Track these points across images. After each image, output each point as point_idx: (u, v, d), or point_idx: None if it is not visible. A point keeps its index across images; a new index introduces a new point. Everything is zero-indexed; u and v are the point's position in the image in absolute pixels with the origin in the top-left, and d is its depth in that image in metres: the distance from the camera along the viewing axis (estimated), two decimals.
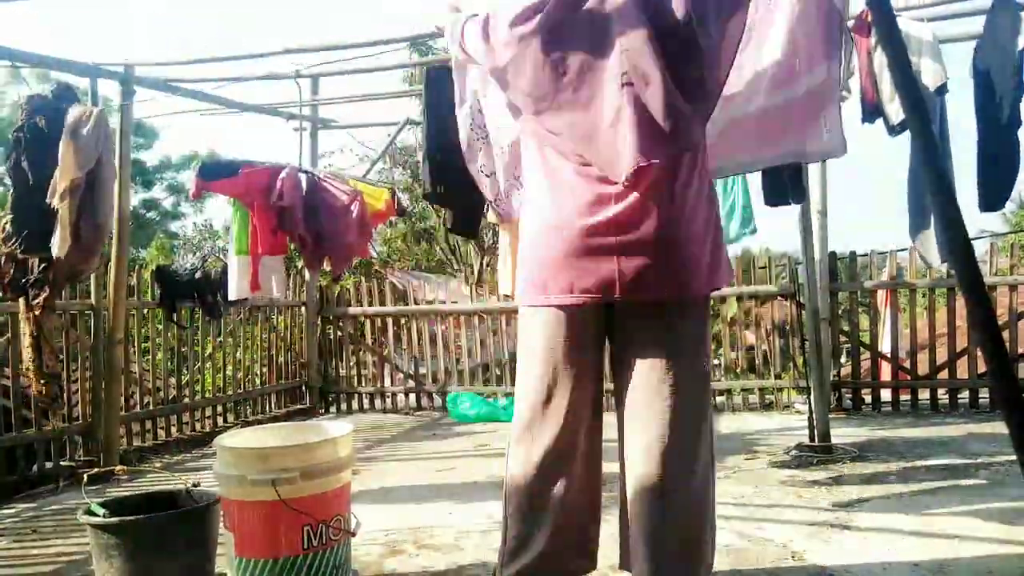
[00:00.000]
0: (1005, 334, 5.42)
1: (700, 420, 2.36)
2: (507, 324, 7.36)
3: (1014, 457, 1.66)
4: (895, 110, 3.95)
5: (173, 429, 5.89)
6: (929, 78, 3.97)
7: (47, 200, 3.90)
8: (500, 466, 4.67)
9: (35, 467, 4.73)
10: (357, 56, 5.16)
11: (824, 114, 3.15)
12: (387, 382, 7.52)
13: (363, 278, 9.91)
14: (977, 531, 3.10)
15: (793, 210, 4.50)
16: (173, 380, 6.01)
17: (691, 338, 2.37)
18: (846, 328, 6.32)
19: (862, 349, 6.28)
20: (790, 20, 3.22)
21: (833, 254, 5.98)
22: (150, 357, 6.54)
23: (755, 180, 3.76)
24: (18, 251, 3.89)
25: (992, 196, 4.03)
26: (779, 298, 6.68)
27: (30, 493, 4.50)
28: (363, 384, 7.48)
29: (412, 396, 7.37)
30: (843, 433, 5.04)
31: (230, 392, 6.57)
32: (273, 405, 7.06)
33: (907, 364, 6.07)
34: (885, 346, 6.30)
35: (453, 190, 4.03)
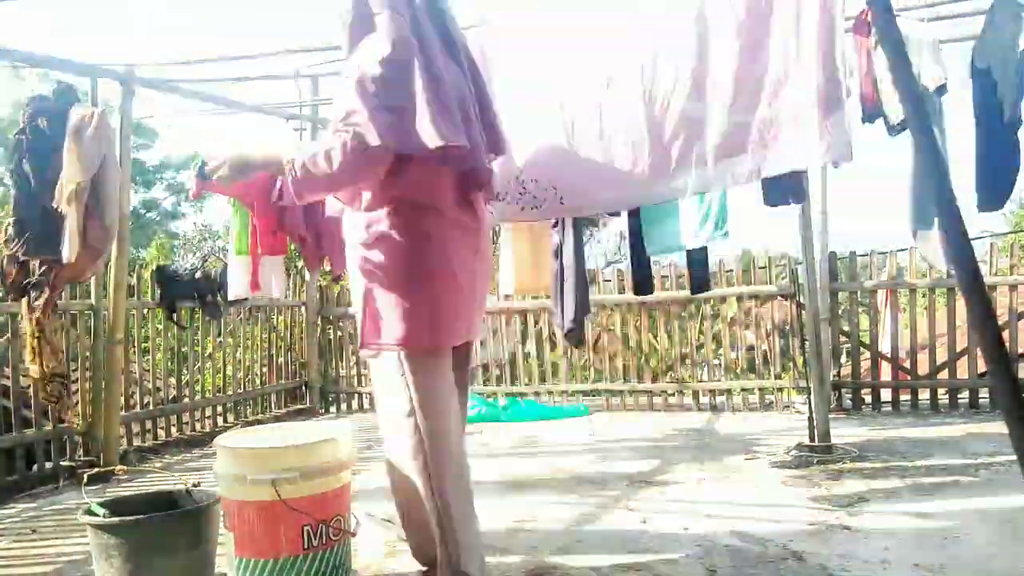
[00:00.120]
0: (1005, 334, 5.42)
1: None
2: (507, 324, 7.36)
3: (1014, 457, 1.66)
4: (895, 110, 3.96)
5: (173, 429, 5.90)
6: (929, 78, 3.97)
7: (54, 204, 3.90)
8: (500, 466, 4.69)
9: (35, 467, 4.73)
10: None
11: (828, 119, 3.14)
12: None
13: None
14: (977, 531, 3.10)
15: (793, 210, 4.50)
16: (173, 380, 6.01)
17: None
18: (846, 328, 6.33)
19: (862, 349, 6.28)
20: (785, 26, 3.23)
21: (833, 254, 5.99)
22: (150, 357, 6.54)
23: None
24: (20, 253, 3.89)
25: (991, 196, 4.03)
26: (779, 298, 6.68)
27: (30, 493, 4.50)
28: (363, 384, 7.47)
29: None
30: (843, 433, 5.05)
31: (230, 392, 6.58)
32: (273, 405, 7.06)
33: (907, 364, 6.08)
34: (885, 346, 6.30)
35: None
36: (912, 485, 3.83)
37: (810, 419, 4.69)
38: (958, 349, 5.86)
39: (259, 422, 6.32)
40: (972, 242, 1.80)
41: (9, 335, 4.66)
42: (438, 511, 2.47)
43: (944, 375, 5.94)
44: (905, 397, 6.03)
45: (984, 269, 5.65)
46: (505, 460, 4.92)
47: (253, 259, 5.05)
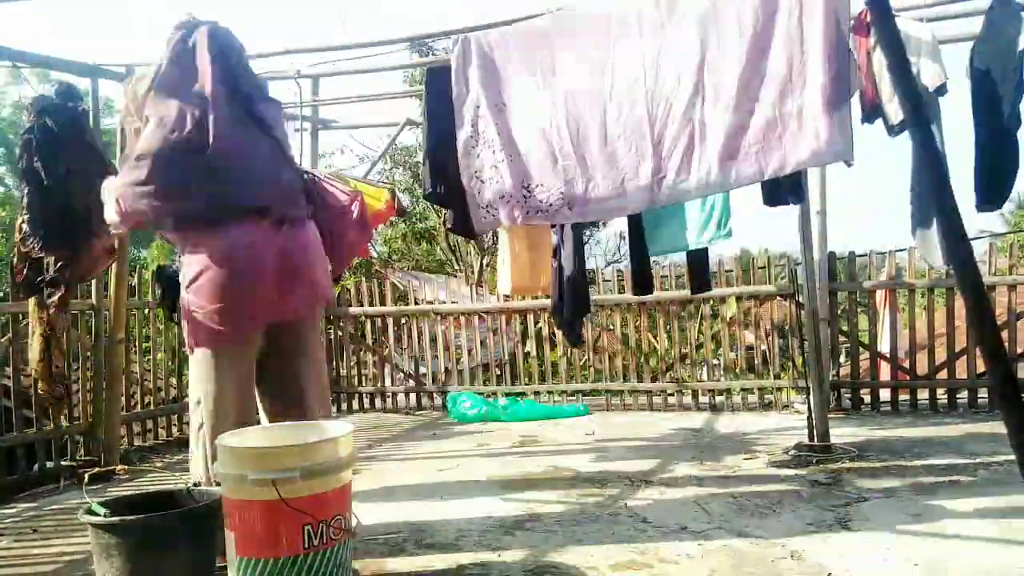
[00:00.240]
0: (1004, 334, 5.42)
1: None
2: (507, 324, 7.37)
3: (1013, 457, 1.67)
4: (894, 110, 3.96)
5: (174, 429, 5.90)
6: (928, 78, 3.97)
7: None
8: (500, 466, 4.70)
9: (36, 467, 4.74)
10: (357, 56, 5.16)
11: (832, 118, 3.15)
12: (387, 382, 7.53)
13: (363, 278, 9.91)
14: (976, 531, 3.10)
15: (792, 210, 4.51)
16: (173, 380, 6.01)
17: None
18: (845, 328, 6.33)
19: (861, 349, 6.29)
20: (789, 26, 3.23)
21: (832, 254, 5.99)
22: (150, 357, 6.54)
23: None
24: (36, 249, 3.89)
25: (990, 196, 4.04)
26: (778, 298, 6.69)
27: (31, 493, 4.50)
28: (363, 384, 7.48)
29: (412, 396, 7.38)
30: (842, 433, 5.05)
31: None
32: None
33: (906, 364, 6.08)
34: (884, 346, 6.31)
35: (453, 190, 4.03)
36: (911, 485, 3.83)
37: (809, 419, 4.69)
38: (957, 349, 5.86)
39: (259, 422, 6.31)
40: (971, 242, 1.81)
41: (10, 335, 4.66)
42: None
43: (943, 375, 5.94)
44: (904, 397, 6.03)
45: (983, 269, 5.65)
46: (505, 460, 4.92)
47: None
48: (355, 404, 7.44)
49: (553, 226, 5.32)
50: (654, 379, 6.78)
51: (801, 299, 5.07)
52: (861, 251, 6.63)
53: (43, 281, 3.93)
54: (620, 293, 6.81)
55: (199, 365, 3.16)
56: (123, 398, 5.37)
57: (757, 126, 3.28)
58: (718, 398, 6.56)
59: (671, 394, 6.72)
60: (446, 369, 7.40)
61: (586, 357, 7.33)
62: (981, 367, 5.33)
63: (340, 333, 7.50)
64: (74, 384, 5.17)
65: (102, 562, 2.63)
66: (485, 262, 15.59)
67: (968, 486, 3.78)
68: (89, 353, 5.10)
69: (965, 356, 5.85)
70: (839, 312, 6.22)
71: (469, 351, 7.34)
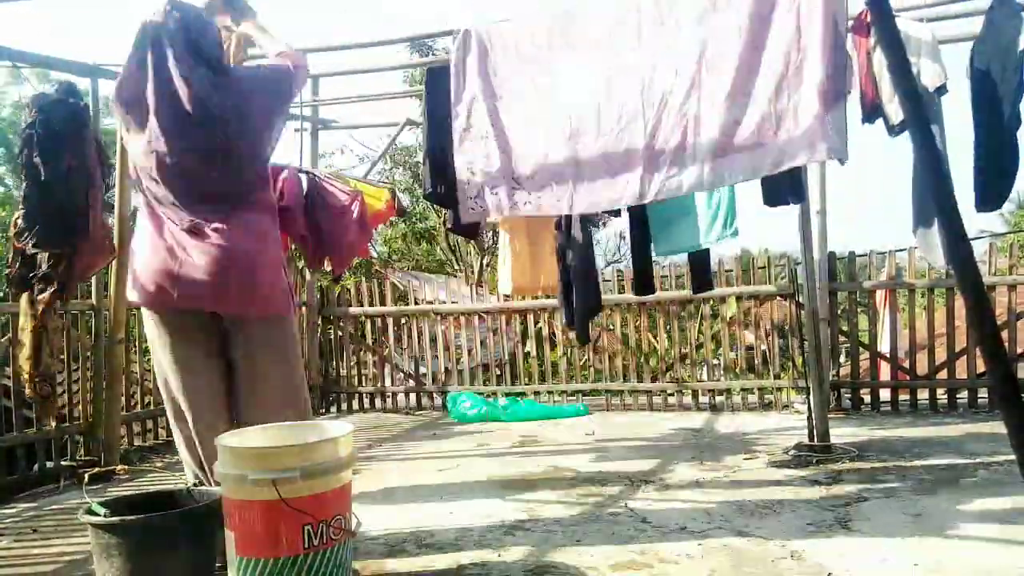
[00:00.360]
0: (1004, 334, 5.42)
1: None
2: (507, 324, 7.37)
3: (1013, 457, 1.67)
4: (895, 110, 3.96)
5: None
6: (928, 78, 3.97)
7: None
8: (500, 466, 4.70)
9: (36, 467, 4.74)
10: (357, 56, 5.16)
11: (828, 115, 3.15)
12: (387, 382, 7.53)
13: (363, 278, 9.92)
14: (976, 531, 3.10)
15: (792, 210, 4.50)
16: None
17: None
18: (845, 328, 6.33)
19: (861, 349, 6.29)
20: (787, 23, 3.23)
21: (832, 254, 5.99)
22: (150, 357, 6.54)
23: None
24: (30, 245, 3.89)
25: (990, 196, 4.04)
26: (778, 298, 6.69)
27: (31, 493, 4.51)
28: (363, 384, 7.49)
29: (412, 396, 7.38)
30: (842, 433, 5.05)
31: None
32: None
33: (906, 364, 6.08)
34: (884, 346, 6.31)
35: (453, 190, 4.03)
36: (911, 485, 3.83)
37: (809, 419, 4.69)
38: (957, 349, 5.86)
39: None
40: (971, 242, 1.81)
41: (10, 335, 4.66)
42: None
43: (943, 375, 5.95)
44: (904, 397, 6.03)
45: (983, 269, 5.65)
46: (505, 460, 4.92)
47: None
48: (355, 404, 7.44)
49: (558, 226, 5.33)
50: (654, 379, 6.78)
51: (801, 299, 5.07)
52: (861, 251, 6.64)
53: (34, 278, 3.93)
54: (620, 293, 6.82)
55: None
56: (123, 398, 5.37)
57: (752, 123, 3.29)
58: (718, 398, 6.56)
59: (671, 394, 6.73)
60: (446, 369, 7.40)
61: (586, 357, 7.34)
62: (981, 367, 5.34)
63: (340, 333, 7.50)
64: (74, 384, 5.18)
65: (102, 562, 2.63)
66: (485, 262, 15.61)
67: (968, 486, 3.78)
68: (89, 353, 5.10)
69: (965, 356, 5.85)
70: (839, 312, 6.22)
71: (469, 351, 7.35)
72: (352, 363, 7.46)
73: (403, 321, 7.56)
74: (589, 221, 5.34)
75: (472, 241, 14.09)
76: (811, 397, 4.69)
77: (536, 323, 7.14)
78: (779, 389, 6.41)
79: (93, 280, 4.98)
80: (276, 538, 2.46)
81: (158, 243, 3.01)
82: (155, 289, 3.00)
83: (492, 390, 7.10)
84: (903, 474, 4.06)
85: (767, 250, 8.82)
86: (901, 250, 6.51)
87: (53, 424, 4.83)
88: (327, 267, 5.39)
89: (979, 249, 5.47)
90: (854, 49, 4.10)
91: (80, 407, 5.04)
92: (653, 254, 5.49)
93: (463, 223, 4.10)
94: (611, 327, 6.95)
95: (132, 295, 3.16)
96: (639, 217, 5.14)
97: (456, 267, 16.74)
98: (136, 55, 2.99)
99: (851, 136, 3.25)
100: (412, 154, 14.89)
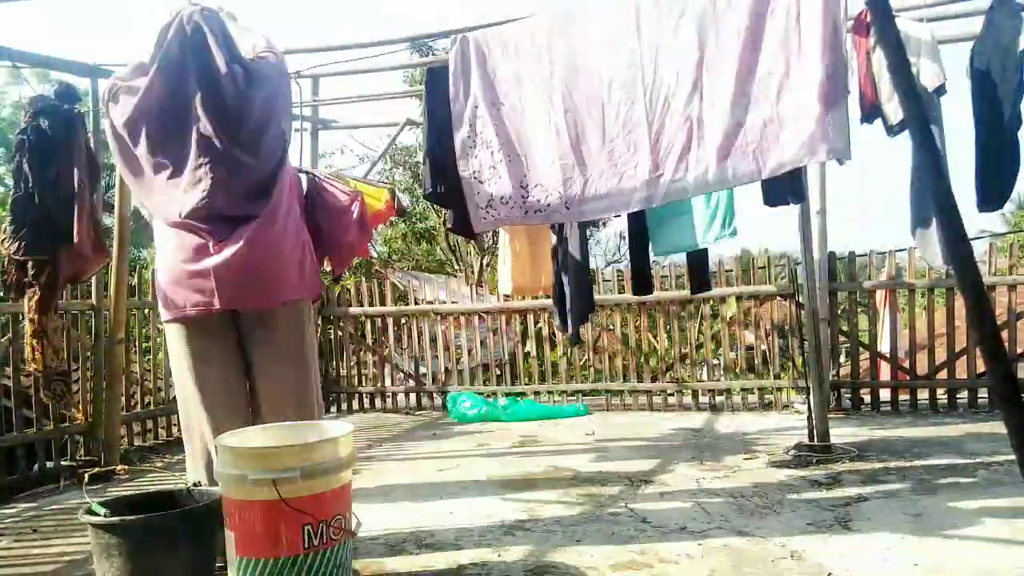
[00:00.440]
0: (1004, 334, 5.42)
1: None
2: (507, 324, 7.37)
3: (1013, 457, 1.67)
4: (894, 110, 3.96)
5: (174, 429, 5.89)
6: (928, 78, 3.97)
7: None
8: (500, 466, 4.70)
9: (36, 467, 4.74)
10: (357, 57, 5.16)
11: (829, 115, 3.15)
12: (387, 382, 7.53)
13: (363, 278, 9.91)
14: (976, 531, 3.10)
15: (792, 210, 4.50)
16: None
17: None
18: (845, 328, 6.33)
19: (861, 349, 6.29)
20: (787, 24, 3.23)
21: (832, 254, 5.99)
22: (150, 357, 6.54)
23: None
24: (17, 252, 3.90)
25: (991, 196, 4.04)
26: (778, 298, 6.69)
27: (31, 492, 4.51)
28: (363, 384, 7.49)
29: (412, 396, 7.38)
30: (842, 433, 5.05)
31: None
32: None
33: (906, 364, 6.08)
34: (884, 346, 6.31)
35: (453, 190, 4.03)
36: (911, 485, 3.84)
37: (809, 419, 4.69)
38: (957, 349, 5.86)
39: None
40: (971, 242, 1.81)
41: (10, 335, 4.66)
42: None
43: (943, 375, 5.95)
44: (904, 397, 6.03)
45: (983, 269, 5.65)
46: (505, 460, 4.92)
47: None
48: (355, 404, 7.44)
49: (554, 227, 5.32)
50: (654, 379, 6.78)
51: (801, 299, 5.07)
52: (861, 251, 6.64)
53: (27, 284, 3.95)
54: (620, 293, 6.82)
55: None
56: (123, 398, 5.37)
57: (755, 124, 3.28)
58: (718, 398, 6.56)
59: (671, 394, 6.73)
60: (446, 369, 7.40)
61: (586, 357, 7.34)
62: (981, 367, 5.33)
63: (340, 333, 7.50)
64: (74, 384, 5.17)
65: (102, 562, 2.63)
66: (485, 262, 15.60)
67: (968, 486, 3.78)
68: (89, 353, 5.11)
69: (965, 356, 5.85)
70: (839, 312, 6.22)
71: (469, 351, 7.35)
72: (352, 363, 7.46)
73: (403, 321, 7.56)
74: (586, 222, 5.34)
75: (472, 241, 14.08)
76: (811, 397, 4.68)
77: (536, 323, 7.14)
78: (779, 389, 6.41)
79: (93, 280, 4.98)
80: (276, 538, 2.47)
81: (177, 255, 3.12)
82: (180, 298, 3.12)
83: (492, 390, 7.10)
84: (903, 474, 4.06)
85: (767, 250, 8.82)
86: (901, 250, 6.51)
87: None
88: (327, 267, 5.39)
89: (979, 249, 5.46)
90: (854, 49, 4.10)
91: (80, 407, 5.04)
92: (651, 254, 5.49)
93: (476, 231, 4.11)
94: (611, 327, 6.95)
95: (164, 315, 3.24)
96: (637, 217, 5.14)
97: (456, 267, 16.73)
98: (170, 53, 3.02)
99: (851, 136, 3.24)
100: (412, 154, 14.88)
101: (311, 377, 3.34)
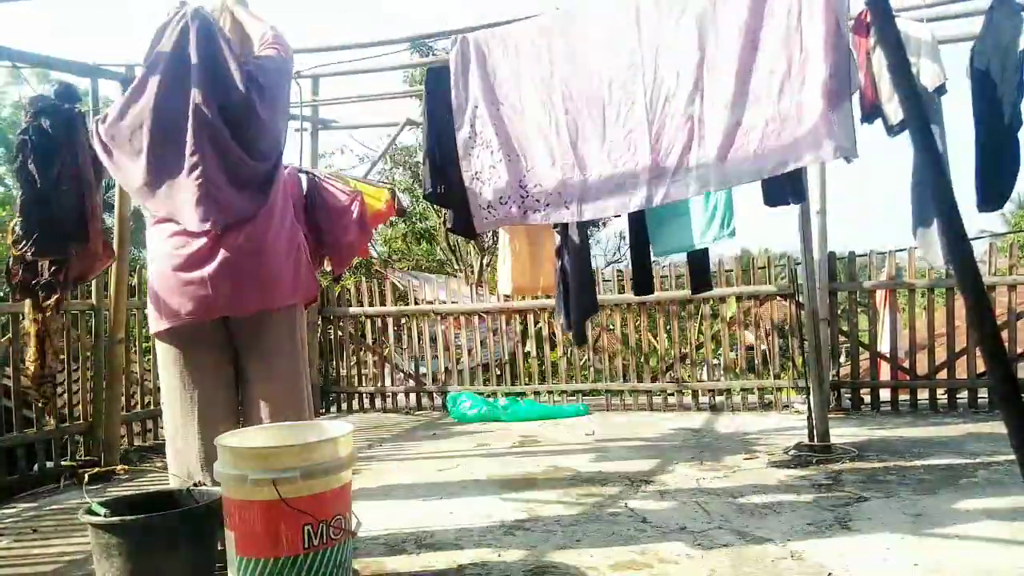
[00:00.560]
0: (1004, 334, 5.42)
1: None
2: (507, 324, 7.37)
3: (1013, 457, 1.67)
4: (894, 110, 3.96)
5: None
6: (928, 78, 3.98)
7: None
8: (500, 466, 4.70)
9: (36, 467, 4.74)
10: (357, 57, 5.17)
11: (833, 114, 3.14)
12: (387, 382, 7.53)
13: (363, 278, 9.91)
14: (976, 531, 3.10)
15: (792, 210, 4.50)
16: None
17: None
18: (845, 328, 6.33)
19: (861, 349, 6.29)
20: (789, 22, 3.23)
21: (832, 254, 5.99)
22: (150, 357, 6.55)
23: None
24: (28, 253, 3.90)
25: (991, 196, 4.04)
26: (778, 298, 6.69)
27: (31, 492, 4.50)
28: (363, 384, 7.49)
29: (412, 396, 7.38)
30: (842, 433, 5.05)
31: None
32: None
33: (906, 364, 6.08)
34: (884, 346, 6.31)
35: (453, 190, 4.03)
36: (911, 485, 3.84)
37: (809, 419, 4.69)
38: (957, 349, 5.86)
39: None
40: (971, 242, 1.81)
41: (10, 335, 4.66)
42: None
43: (943, 375, 5.95)
44: (904, 397, 6.03)
45: (983, 269, 5.65)
46: (505, 460, 4.93)
47: None
48: (355, 404, 7.44)
49: (556, 227, 5.32)
50: (654, 379, 6.78)
51: (801, 299, 5.07)
52: (861, 251, 6.64)
53: (38, 284, 3.94)
54: (620, 293, 6.82)
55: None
56: (123, 398, 5.37)
57: (756, 123, 3.28)
58: (718, 398, 6.56)
59: (671, 394, 6.73)
60: (446, 369, 7.40)
61: (586, 357, 7.34)
62: (981, 367, 5.34)
63: (340, 333, 7.50)
64: (74, 384, 5.18)
65: (102, 562, 2.63)
66: (485, 262, 15.60)
67: (968, 486, 3.78)
68: (89, 353, 5.10)
69: (965, 356, 5.85)
70: (839, 312, 6.22)
71: (469, 351, 7.35)
72: (352, 363, 7.46)
73: (403, 321, 7.56)
74: (587, 222, 5.33)
75: (472, 241, 14.08)
76: (811, 397, 4.69)
77: (536, 323, 7.14)
78: (779, 389, 6.41)
79: (93, 280, 4.97)
80: (276, 538, 2.46)
81: (172, 262, 3.06)
82: (175, 304, 3.05)
83: (492, 390, 7.10)
84: (903, 474, 4.06)
85: (767, 250, 8.84)
86: (901, 250, 6.51)
87: (53, 422, 4.84)
88: (327, 267, 5.40)
89: (979, 249, 5.47)
90: (854, 49, 4.10)
91: (80, 407, 5.04)
92: (651, 254, 5.49)
93: (478, 231, 4.10)
94: (611, 327, 6.95)
95: (155, 325, 3.14)
96: (637, 217, 5.14)
97: (456, 267, 16.72)
98: (172, 52, 3.00)
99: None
100: (412, 154, 14.88)
101: (303, 384, 3.28)
